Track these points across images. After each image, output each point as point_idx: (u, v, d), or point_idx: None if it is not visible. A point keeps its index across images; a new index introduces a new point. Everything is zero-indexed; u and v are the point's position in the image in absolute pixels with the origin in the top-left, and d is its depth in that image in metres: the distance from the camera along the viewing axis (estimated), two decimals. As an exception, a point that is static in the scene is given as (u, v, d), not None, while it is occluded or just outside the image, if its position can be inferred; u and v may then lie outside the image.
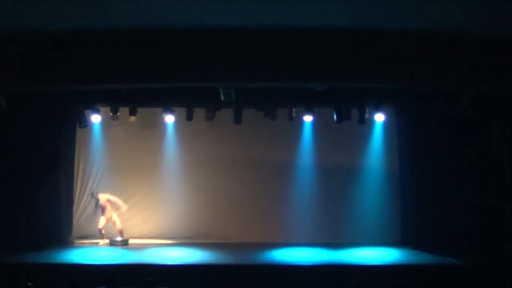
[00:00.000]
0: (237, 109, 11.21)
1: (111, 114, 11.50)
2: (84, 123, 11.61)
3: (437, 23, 8.14)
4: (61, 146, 11.62)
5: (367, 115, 11.46)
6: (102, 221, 11.72)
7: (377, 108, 11.44)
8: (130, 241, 11.80)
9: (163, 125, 12.23)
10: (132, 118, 11.56)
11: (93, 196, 11.93)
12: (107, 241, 11.70)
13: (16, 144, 10.88)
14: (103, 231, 11.76)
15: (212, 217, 12.25)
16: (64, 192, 11.75)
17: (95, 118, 11.78)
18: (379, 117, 11.70)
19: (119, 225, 11.79)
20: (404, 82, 9.22)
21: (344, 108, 11.26)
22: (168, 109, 11.46)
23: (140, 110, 11.50)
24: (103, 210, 11.77)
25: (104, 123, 12.09)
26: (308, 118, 11.79)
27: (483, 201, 10.30)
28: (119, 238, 11.70)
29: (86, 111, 11.56)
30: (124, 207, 11.88)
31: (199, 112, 11.47)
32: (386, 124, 12.16)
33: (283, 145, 12.39)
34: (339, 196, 12.25)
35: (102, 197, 11.83)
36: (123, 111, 11.49)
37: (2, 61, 8.80)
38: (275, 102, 11.30)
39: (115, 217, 11.79)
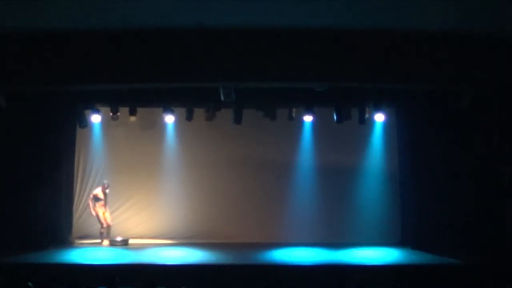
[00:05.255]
0: (237, 109, 11.22)
1: (111, 114, 11.52)
2: (84, 123, 11.61)
3: (437, 23, 8.15)
4: (61, 146, 11.62)
5: (367, 115, 11.48)
6: (101, 217, 11.72)
7: (377, 108, 11.45)
8: (130, 241, 11.80)
9: (163, 125, 12.24)
10: (132, 118, 11.59)
11: (106, 186, 11.81)
12: (107, 241, 11.72)
13: (16, 144, 10.87)
14: (102, 230, 11.75)
15: (212, 217, 12.25)
16: (64, 192, 11.75)
17: (95, 118, 11.78)
18: (379, 117, 11.71)
19: (110, 222, 11.79)
20: (404, 82, 9.22)
21: (344, 108, 11.26)
22: (168, 109, 11.46)
23: (140, 110, 11.52)
24: (99, 203, 11.70)
25: (104, 123, 12.10)
26: (308, 118, 11.80)
27: (483, 201, 10.30)
28: (119, 238, 11.70)
29: (86, 111, 11.57)
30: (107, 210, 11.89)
31: (199, 112, 11.49)
32: (386, 124, 12.17)
33: (283, 145, 12.40)
34: (339, 196, 12.26)
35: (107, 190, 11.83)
36: (123, 111, 11.50)
37: (2, 61, 8.80)
38: (275, 102, 11.31)
39: (108, 216, 11.79)
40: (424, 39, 8.64)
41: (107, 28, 8.44)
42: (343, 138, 12.07)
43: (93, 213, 11.78)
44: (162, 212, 12.43)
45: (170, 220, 12.39)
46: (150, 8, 7.61)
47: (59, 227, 11.50)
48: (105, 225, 11.78)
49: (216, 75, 8.92)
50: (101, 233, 11.79)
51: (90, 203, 11.83)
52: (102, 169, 12.50)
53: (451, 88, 9.86)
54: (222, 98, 9.65)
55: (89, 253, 10.64)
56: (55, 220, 11.37)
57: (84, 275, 8.61)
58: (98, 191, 11.85)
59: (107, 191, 11.82)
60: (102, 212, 11.76)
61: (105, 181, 11.93)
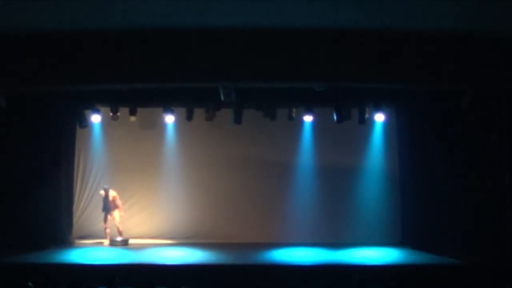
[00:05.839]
0: (237, 109, 11.22)
1: (111, 114, 11.51)
2: (84, 123, 11.61)
3: (437, 23, 8.14)
4: (61, 146, 11.62)
5: (367, 115, 11.47)
6: (107, 219, 11.72)
7: (377, 108, 11.45)
8: (130, 241, 11.80)
9: (163, 125, 12.23)
10: (132, 118, 11.58)
11: (106, 190, 11.77)
12: (108, 241, 11.73)
13: (16, 144, 10.88)
14: (108, 230, 11.75)
15: (212, 217, 12.25)
16: (64, 192, 11.76)
17: (95, 118, 11.78)
18: (379, 117, 11.71)
19: (120, 226, 11.80)
20: (404, 82, 9.22)
21: (344, 108, 11.26)
22: (168, 109, 11.46)
23: (140, 110, 11.51)
24: (109, 207, 11.71)
25: (104, 123, 12.09)
26: (308, 118, 11.80)
27: (483, 201, 10.29)
28: (119, 238, 11.70)
29: (86, 111, 11.56)
30: (122, 213, 11.87)
31: (199, 112, 11.48)
32: (386, 124, 12.16)
33: (283, 145, 12.39)
34: (339, 196, 12.25)
35: (112, 193, 11.78)
36: (123, 111, 11.50)
37: (2, 61, 8.80)
38: (275, 102, 11.31)
39: (117, 217, 11.78)
40: (424, 39, 8.64)
41: (107, 28, 8.44)
42: (343, 138, 12.07)
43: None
44: (162, 212, 12.43)
45: (170, 220, 12.39)
46: (150, 8, 7.61)
47: (59, 227, 11.50)
48: (105, 225, 11.75)
49: (216, 75, 8.91)
50: (106, 233, 11.78)
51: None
52: (102, 169, 12.49)
53: (451, 88, 9.85)
54: (222, 98, 9.66)
55: (89, 253, 10.65)
56: (55, 220, 11.37)
57: (84, 275, 8.61)
58: (102, 192, 11.85)
59: (109, 194, 11.73)
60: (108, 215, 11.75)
61: (105, 186, 11.89)
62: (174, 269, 9.42)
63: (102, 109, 11.73)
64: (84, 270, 9.28)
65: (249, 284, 8.34)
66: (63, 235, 11.54)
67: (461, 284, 8.79)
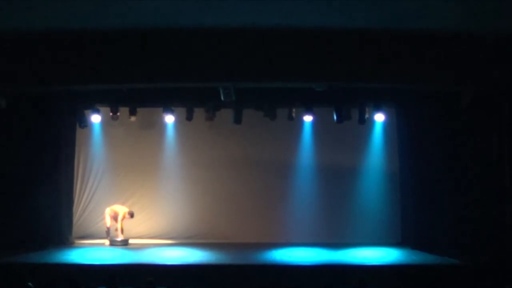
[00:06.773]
0: (237, 109, 11.22)
1: (111, 114, 11.52)
2: (84, 123, 11.62)
3: (436, 23, 8.15)
4: (61, 146, 11.63)
5: (367, 115, 11.47)
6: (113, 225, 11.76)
7: (377, 108, 11.45)
8: (130, 241, 11.80)
9: (163, 125, 12.23)
10: (132, 118, 11.58)
11: (131, 214, 11.80)
12: (108, 241, 11.73)
13: (16, 144, 10.88)
14: (109, 230, 11.76)
15: (212, 217, 12.25)
16: (64, 192, 11.75)
17: (95, 118, 11.79)
18: (379, 117, 11.72)
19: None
20: (404, 82, 9.22)
21: (344, 108, 11.27)
22: (168, 109, 11.47)
23: (140, 110, 11.52)
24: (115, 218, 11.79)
25: (104, 123, 12.10)
26: (308, 118, 11.80)
27: (483, 201, 10.28)
28: (119, 238, 11.70)
29: (86, 111, 11.57)
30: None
31: (199, 112, 11.48)
32: (386, 124, 12.17)
33: (283, 145, 12.39)
34: (339, 196, 12.25)
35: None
36: (123, 111, 11.50)
37: (1, 61, 8.80)
38: (275, 102, 11.31)
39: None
40: (424, 39, 8.64)
41: (107, 28, 8.44)
42: (343, 138, 12.07)
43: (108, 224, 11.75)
44: (162, 212, 12.43)
45: (170, 220, 12.38)
46: (150, 8, 7.61)
47: (59, 227, 11.50)
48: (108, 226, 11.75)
49: (216, 75, 8.92)
50: (107, 233, 11.77)
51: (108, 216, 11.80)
52: (102, 169, 12.49)
53: (451, 88, 9.86)
54: (222, 98, 9.66)
55: (89, 253, 10.64)
56: (55, 220, 11.37)
57: (84, 275, 8.61)
58: (118, 210, 11.78)
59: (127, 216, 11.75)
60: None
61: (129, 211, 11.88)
62: (174, 269, 9.41)
63: (102, 109, 11.73)
64: (84, 270, 9.26)
65: (249, 284, 8.34)
66: (63, 235, 11.54)
67: (461, 284, 8.79)
